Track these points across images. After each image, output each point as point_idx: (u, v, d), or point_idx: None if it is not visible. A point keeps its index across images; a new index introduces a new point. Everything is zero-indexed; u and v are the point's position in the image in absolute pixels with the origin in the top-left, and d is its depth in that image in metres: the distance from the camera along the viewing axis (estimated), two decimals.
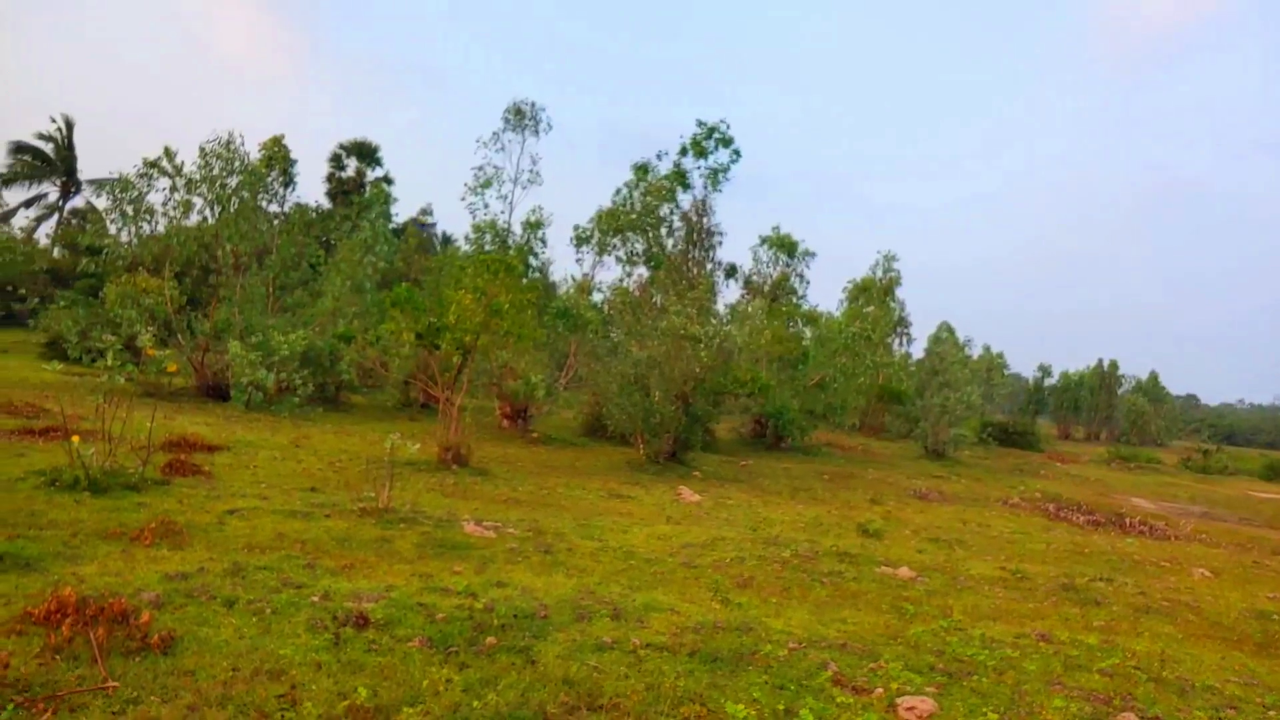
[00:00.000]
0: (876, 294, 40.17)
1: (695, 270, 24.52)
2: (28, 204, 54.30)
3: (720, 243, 24.22)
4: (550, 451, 19.81)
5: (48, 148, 53.82)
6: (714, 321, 22.59)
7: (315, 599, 6.32)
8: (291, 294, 25.97)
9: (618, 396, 18.78)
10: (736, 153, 23.24)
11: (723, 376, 19.97)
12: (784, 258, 32.74)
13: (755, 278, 33.93)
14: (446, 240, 51.81)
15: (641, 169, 23.72)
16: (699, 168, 23.22)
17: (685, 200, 24.33)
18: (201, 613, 5.84)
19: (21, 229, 51.28)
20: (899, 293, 44.34)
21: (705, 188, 23.92)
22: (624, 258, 26.36)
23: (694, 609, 7.40)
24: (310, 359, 21.64)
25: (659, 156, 23.72)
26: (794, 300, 31.82)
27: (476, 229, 25.66)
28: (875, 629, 7.49)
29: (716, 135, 23.00)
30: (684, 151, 22.88)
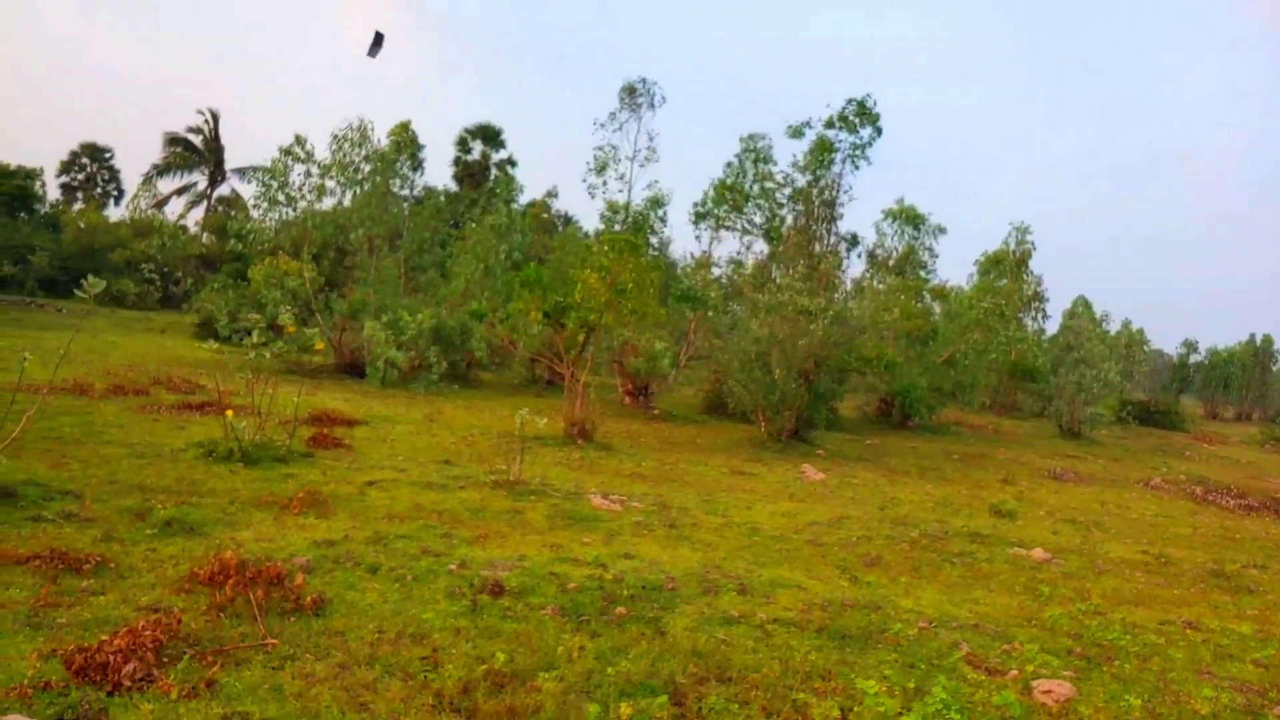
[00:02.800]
0: (1009, 267, 38.68)
1: (816, 244, 24.09)
2: (179, 192, 57.66)
3: (842, 215, 23.60)
4: (672, 428, 19.94)
5: (197, 139, 56.95)
6: (835, 296, 22.24)
7: (453, 567, 6.57)
8: (424, 275, 26.87)
9: (739, 373, 18.73)
10: (879, 129, 22.46)
11: (847, 353, 19.65)
12: (910, 231, 31.86)
13: (879, 252, 33.18)
14: (568, 220, 52.56)
15: (797, 131, 22.84)
16: (841, 140, 22.53)
17: (799, 174, 23.72)
18: (348, 578, 6.16)
19: (175, 216, 54.48)
20: (1033, 266, 42.64)
21: (843, 163, 23.29)
22: (741, 230, 26.15)
23: (821, 586, 7.37)
24: (441, 337, 22.35)
25: (800, 131, 22.84)
26: (921, 275, 30.95)
27: (611, 208, 25.90)
28: (1008, 611, 7.31)
29: (863, 111, 22.21)
30: (830, 124, 22.20)
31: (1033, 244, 41.71)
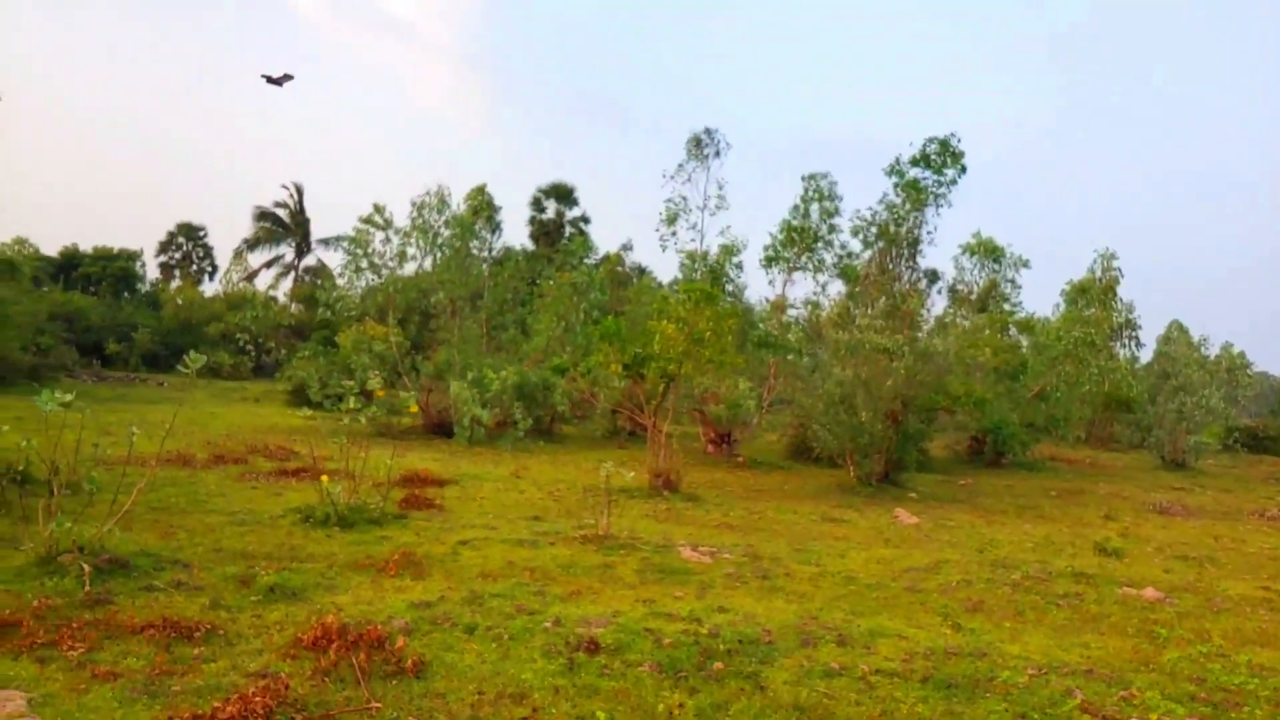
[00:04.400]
0: (1096, 295, 37.58)
1: (894, 283, 23.77)
2: (268, 265, 60.05)
3: (923, 252, 23.20)
4: (757, 475, 19.76)
5: (283, 213, 59.35)
6: (918, 334, 21.85)
7: (548, 625, 6.58)
8: (505, 333, 27.36)
9: (823, 417, 18.50)
10: (964, 168, 22.01)
11: (934, 392, 19.28)
12: (990, 264, 31.26)
13: (960, 286, 32.62)
14: (641, 271, 53.10)
15: (899, 172, 22.44)
16: (926, 179, 22.16)
17: (885, 212, 23.38)
18: (446, 639, 6.22)
19: (265, 288, 56.64)
20: (1121, 292, 41.36)
21: (928, 202, 22.89)
22: (812, 268, 25.98)
23: (922, 634, 7.17)
24: (524, 393, 22.65)
25: (901, 171, 22.45)
26: (1005, 308, 30.27)
27: (690, 257, 26.08)
28: (1123, 654, 6.99)
29: (946, 150, 21.81)
30: (914, 163, 21.86)
31: (1120, 270, 40.55)
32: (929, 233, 21.98)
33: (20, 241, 46.39)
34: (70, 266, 45.46)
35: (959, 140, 21.62)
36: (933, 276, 27.24)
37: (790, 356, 23.74)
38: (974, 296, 31.36)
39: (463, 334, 25.92)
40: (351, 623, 6.19)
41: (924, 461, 21.45)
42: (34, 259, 44.27)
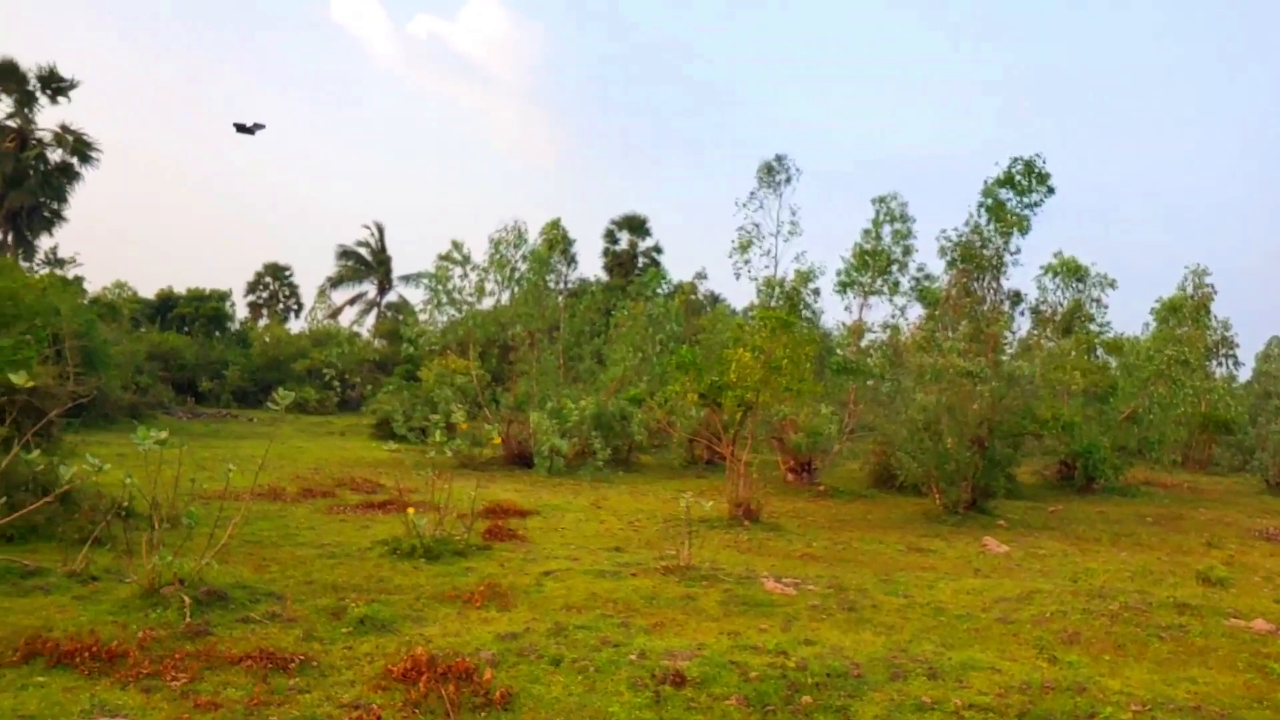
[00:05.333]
0: (1188, 313, 36.26)
1: (978, 306, 23.26)
2: (352, 302, 61.71)
3: (1009, 275, 22.62)
4: (839, 504, 19.46)
5: (365, 251, 61.00)
6: (1002, 357, 21.34)
7: (633, 657, 6.57)
8: (581, 364, 27.63)
9: (907, 444, 18.15)
10: (1050, 189, 21.38)
11: (1021, 416, 18.77)
12: (1074, 284, 30.45)
13: (1044, 308, 31.83)
14: (715, 299, 53.10)
15: (995, 194, 21.78)
16: (1010, 200, 21.62)
17: (972, 234, 22.83)
18: (532, 670, 6.25)
19: (349, 324, 58.25)
20: (1216, 309, 39.88)
21: (1014, 228, 22.32)
22: (888, 291, 25.62)
23: (1017, 667, 6.96)
24: (602, 423, 22.77)
25: (993, 192, 21.90)
26: (1091, 329, 29.40)
27: (767, 283, 26.02)
28: (1233, 690, 6.68)
29: (1031, 171, 21.24)
30: (998, 184, 21.35)
31: (1212, 287, 39.12)
32: (1013, 254, 21.44)
33: (120, 285, 48.59)
34: (166, 308, 47.35)
35: (1044, 161, 21.04)
36: (1016, 298, 26.56)
37: (870, 382, 23.41)
38: (1058, 318, 30.58)
39: (541, 366, 26.23)
40: (440, 654, 6.27)
41: (1012, 488, 20.86)
42: (132, 301, 46.27)
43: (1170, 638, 8.17)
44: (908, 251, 25.42)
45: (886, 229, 25.48)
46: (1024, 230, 21.20)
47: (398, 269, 60.98)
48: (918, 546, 13.79)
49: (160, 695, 5.46)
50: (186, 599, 7.24)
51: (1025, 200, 20.97)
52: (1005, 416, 18.27)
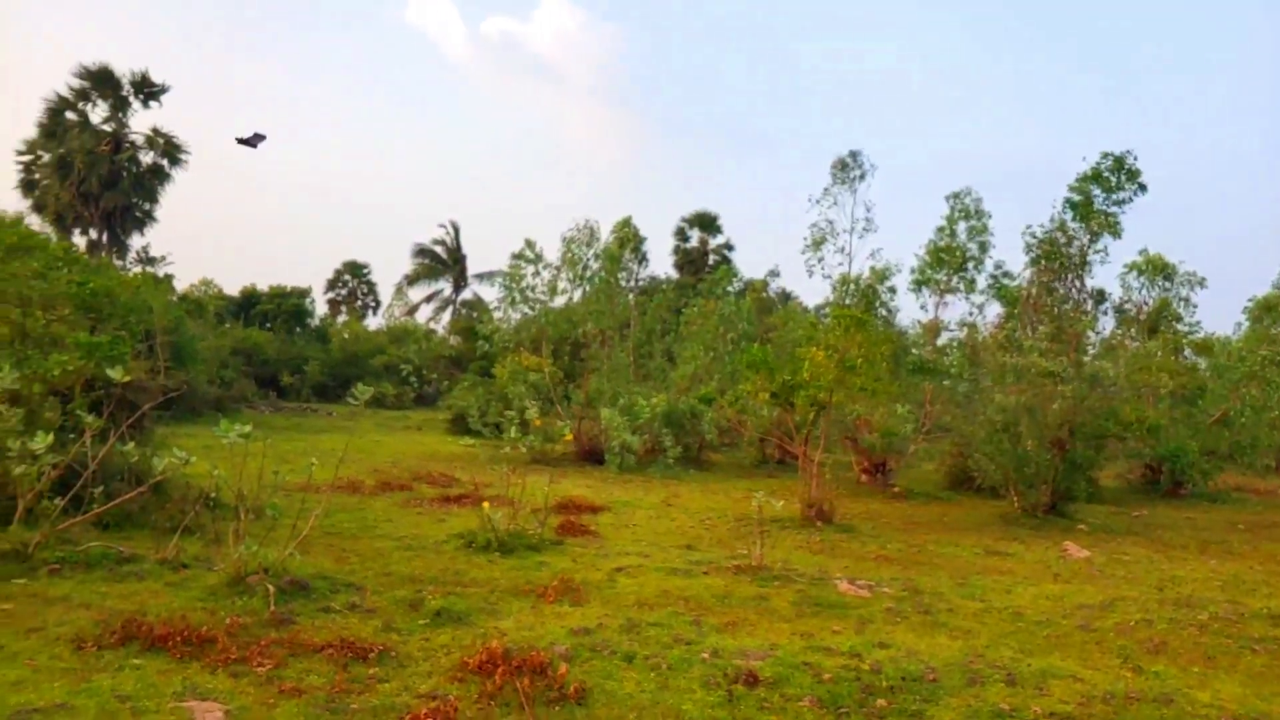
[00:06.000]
0: None
1: (1061, 305, 22.62)
2: (428, 299, 62.83)
3: (1092, 272, 21.88)
4: (914, 506, 19.15)
5: (440, 250, 62.06)
6: (1085, 357, 20.75)
7: (705, 655, 6.57)
8: (651, 361, 27.71)
9: (984, 445, 17.77)
10: (1142, 186, 20.53)
11: (1104, 418, 18.20)
12: (1161, 282, 29.43)
13: (1128, 306, 30.86)
14: (787, 297, 52.72)
15: (1085, 190, 20.93)
16: (1098, 197, 20.88)
17: (1058, 231, 22.12)
18: (605, 666, 6.30)
19: (425, 321, 59.35)
20: None
21: (1103, 226, 21.57)
22: (965, 289, 25.11)
23: (1099, 676, 6.77)
24: (672, 421, 22.79)
25: (1083, 182, 21.15)
26: (1179, 329, 28.39)
27: (842, 280, 25.77)
28: None
29: (1121, 167, 20.46)
30: (1087, 180, 20.61)
31: None
32: (1098, 251, 20.79)
33: (206, 283, 50.16)
34: (249, 304, 48.78)
35: (1135, 158, 20.28)
36: (1099, 296, 25.83)
37: (946, 382, 22.99)
38: (1143, 317, 29.63)
39: (612, 363, 26.38)
40: (515, 648, 6.36)
41: (1094, 492, 20.26)
42: (217, 298, 47.74)
43: (1265, 650, 7.87)
44: (984, 248, 24.91)
45: (961, 226, 25.00)
46: (1116, 234, 20.55)
47: (472, 267, 61.96)
48: (995, 550, 13.51)
49: (247, 680, 5.64)
50: (271, 588, 7.47)
51: (1114, 197, 20.31)
52: (1087, 418, 17.75)
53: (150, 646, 6.07)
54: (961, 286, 25.28)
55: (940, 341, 25.51)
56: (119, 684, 5.43)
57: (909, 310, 61.45)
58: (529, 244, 26.40)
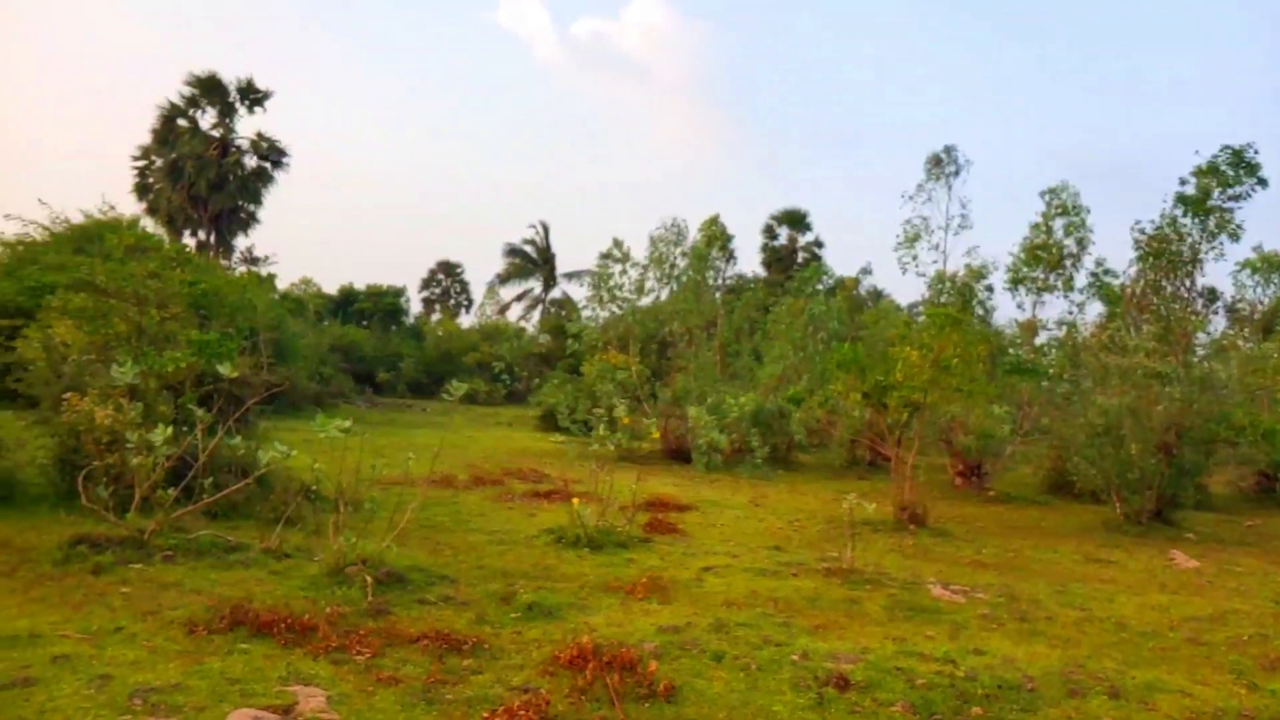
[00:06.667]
0: None
1: (1165, 305, 21.71)
2: (519, 298, 63.78)
3: (1203, 270, 20.84)
4: (1011, 510, 18.64)
5: (531, 249, 62.92)
6: (1194, 358, 19.88)
7: (795, 657, 6.52)
8: (738, 360, 27.58)
9: (1085, 449, 17.17)
10: (1262, 181, 19.38)
11: (1214, 422, 17.39)
12: (1277, 281, 27.99)
13: (1241, 306, 29.51)
14: (878, 295, 51.85)
15: (1205, 171, 19.83)
16: (1216, 194, 19.86)
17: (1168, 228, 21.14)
18: (694, 665, 6.31)
19: (516, 319, 60.29)
20: None
21: (1211, 217, 20.51)
22: (1063, 288, 24.27)
23: (1209, 692, 6.49)
24: (760, 420, 22.65)
25: (1200, 186, 20.22)
26: None
27: (938, 277, 25.26)
28: None
29: (1239, 161, 19.39)
30: (1203, 173, 19.61)
31: None
32: (1211, 248, 19.82)
33: (306, 281, 51.91)
34: (347, 303, 50.29)
35: (1256, 151, 19.18)
36: (1210, 295, 24.73)
37: (1045, 383, 22.30)
38: (1257, 317, 28.28)
39: (698, 362, 26.34)
40: (605, 644, 6.41)
41: (1202, 499, 19.42)
42: (317, 297, 49.36)
43: None
44: (1083, 245, 24.05)
45: (1058, 222, 24.18)
46: (1235, 235, 19.55)
47: (561, 266, 62.66)
48: (1096, 557, 13.06)
49: (347, 668, 5.82)
50: (369, 579, 7.69)
51: (1230, 192, 19.32)
52: (1196, 421, 17.00)
53: (256, 632, 6.32)
54: (1059, 285, 24.47)
55: (1038, 341, 24.77)
56: (228, 667, 5.66)
57: (1005, 309, 59.89)
58: (616, 243, 26.59)
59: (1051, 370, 21.95)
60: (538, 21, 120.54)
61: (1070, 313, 24.36)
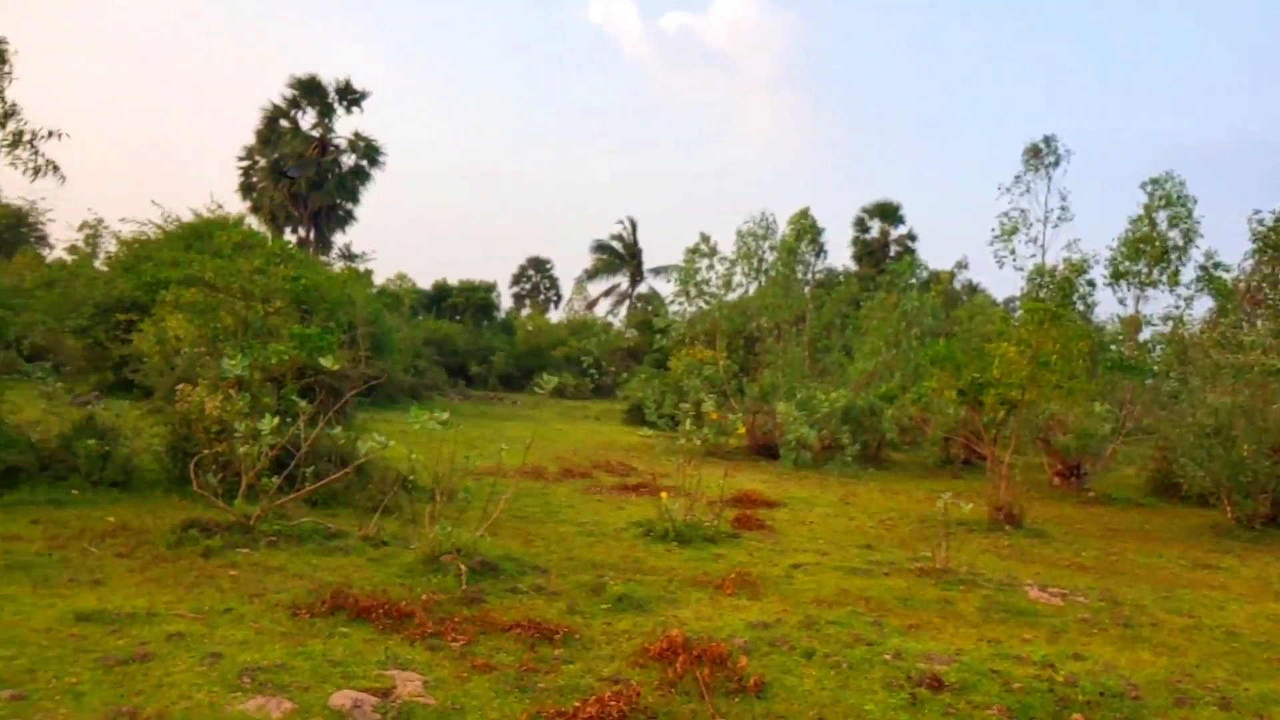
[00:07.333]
0: None
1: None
2: (606, 293, 64.23)
3: None
4: (1112, 512, 18.01)
5: (618, 245, 63.28)
6: None
7: (887, 657, 6.43)
8: (828, 356, 27.24)
9: (1193, 450, 16.46)
10: None
11: None
12: None
13: None
14: (973, 289, 50.55)
15: None
16: None
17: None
18: (784, 661, 6.27)
19: (603, 314, 60.73)
20: None
21: None
22: (1168, 282, 23.28)
23: None
24: (850, 417, 22.35)
25: None
26: None
27: (1037, 272, 24.54)
28: None
29: None
30: None
31: None
32: None
33: (401, 277, 53.15)
34: (441, 298, 51.34)
35: None
36: None
37: (1149, 381, 21.47)
38: None
39: (786, 357, 26.10)
40: (694, 637, 6.42)
41: None
42: (412, 292, 50.50)
43: None
44: (1189, 237, 23.04)
45: (1161, 214, 23.21)
46: None
47: (648, 261, 62.89)
48: (1204, 563, 12.53)
49: (442, 654, 5.96)
50: (463, 567, 7.86)
51: None
52: None
53: (356, 616, 6.52)
54: (1164, 279, 23.50)
55: (1142, 337, 23.84)
56: (330, 649, 5.86)
57: (1106, 304, 57.81)
58: (703, 238, 26.52)
59: (1157, 368, 21.12)
60: (626, 17, 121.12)
61: (1176, 308, 23.38)
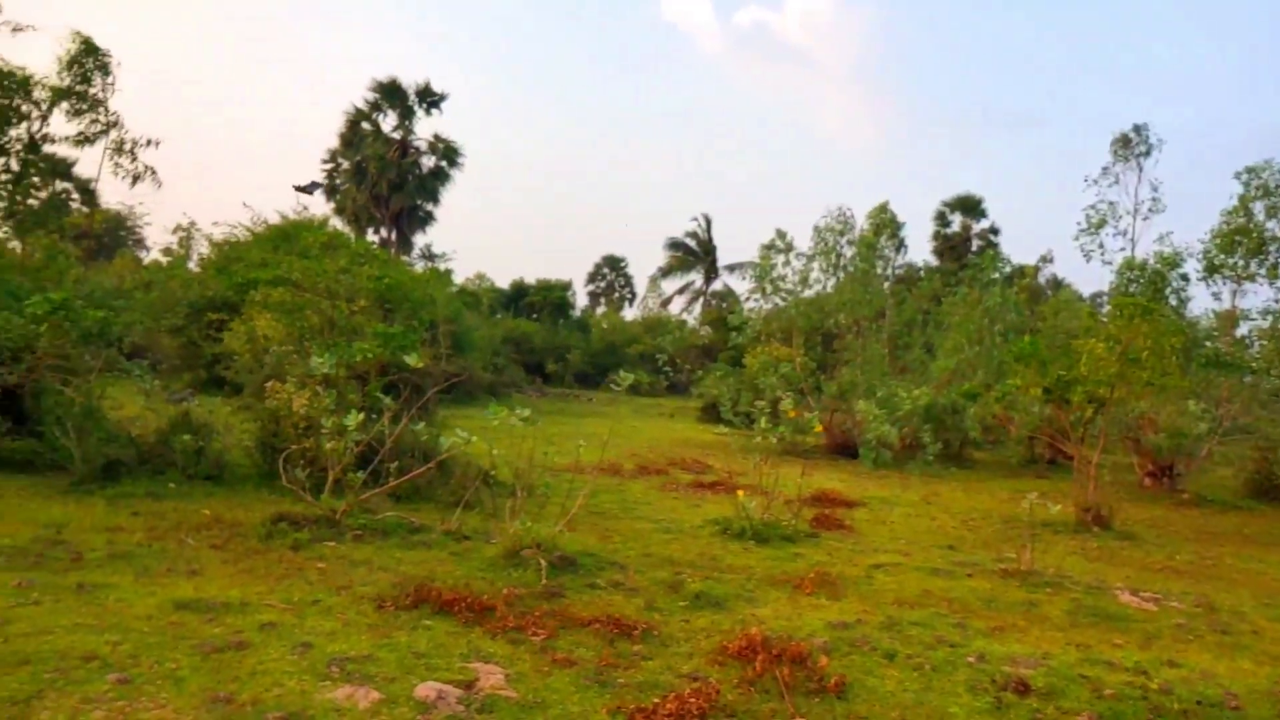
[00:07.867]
0: None
1: None
2: (680, 291, 64.23)
3: None
4: (1207, 514, 17.35)
5: (692, 243, 63.22)
6: None
7: (971, 659, 6.31)
8: (909, 353, 26.80)
9: None
10: None
11: None
12: None
13: None
14: (1058, 284, 49.15)
15: None
16: None
17: None
18: (865, 662, 6.20)
19: (678, 312, 60.74)
20: None
21: None
22: (1267, 275, 22.33)
23: None
24: (932, 416, 21.95)
25: None
26: None
27: (1128, 264, 23.81)
28: None
29: None
30: None
31: None
32: None
33: (480, 276, 53.99)
34: (518, 296, 52.04)
35: None
36: None
37: (1248, 378, 20.63)
38: None
39: (865, 355, 25.75)
40: (773, 636, 6.39)
41: None
42: (490, 291, 51.27)
43: None
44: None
45: (1258, 205, 22.27)
46: None
47: (723, 259, 62.70)
48: None
49: (524, 648, 6.04)
50: (543, 562, 7.95)
51: None
52: None
53: (439, 610, 6.64)
54: (1264, 272, 22.56)
55: (1239, 333, 22.93)
56: (414, 641, 5.98)
57: (1201, 299, 55.67)
58: (779, 234, 26.32)
59: (1256, 364, 20.28)
60: (700, 13, 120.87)
61: (1277, 302, 22.45)
